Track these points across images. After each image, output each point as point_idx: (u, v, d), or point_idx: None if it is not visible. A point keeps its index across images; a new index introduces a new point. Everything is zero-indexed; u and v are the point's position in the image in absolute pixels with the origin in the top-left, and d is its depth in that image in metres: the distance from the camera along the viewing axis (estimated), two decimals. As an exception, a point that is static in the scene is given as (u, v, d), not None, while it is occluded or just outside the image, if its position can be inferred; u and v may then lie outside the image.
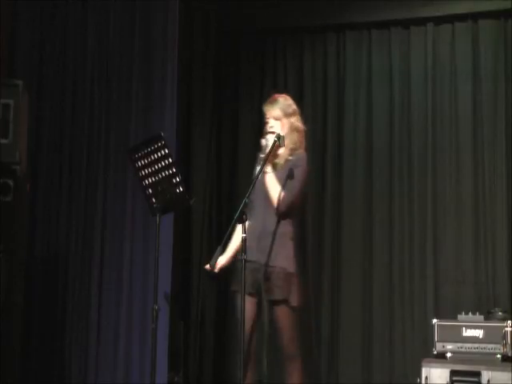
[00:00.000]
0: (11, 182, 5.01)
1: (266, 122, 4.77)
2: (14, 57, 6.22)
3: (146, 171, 4.91)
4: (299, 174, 4.66)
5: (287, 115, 4.74)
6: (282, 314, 4.59)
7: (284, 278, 4.58)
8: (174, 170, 4.82)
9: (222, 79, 7.31)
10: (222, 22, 7.23)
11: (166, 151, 4.83)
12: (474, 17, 6.74)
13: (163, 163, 4.85)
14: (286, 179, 4.60)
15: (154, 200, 4.89)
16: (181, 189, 4.83)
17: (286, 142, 4.65)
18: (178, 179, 4.82)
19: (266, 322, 4.59)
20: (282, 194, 4.57)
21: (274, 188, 4.60)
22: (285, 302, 4.59)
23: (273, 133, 4.66)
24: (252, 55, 7.39)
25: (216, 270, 4.61)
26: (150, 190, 4.92)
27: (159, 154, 4.84)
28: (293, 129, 4.74)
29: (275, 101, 4.78)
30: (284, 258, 4.62)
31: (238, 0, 7.12)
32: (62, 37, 6.36)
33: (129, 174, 5.99)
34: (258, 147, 4.71)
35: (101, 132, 6.26)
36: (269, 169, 4.59)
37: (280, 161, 4.66)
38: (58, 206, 6.20)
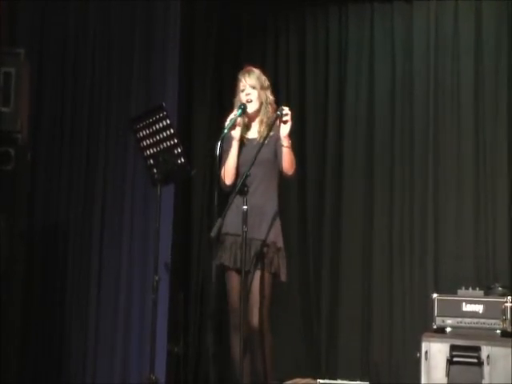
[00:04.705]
0: (12, 151, 5.02)
1: (242, 90, 4.85)
2: (16, 26, 6.19)
3: (148, 142, 4.92)
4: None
5: (263, 88, 4.88)
6: (266, 288, 4.66)
7: (275, 253, 4.69)
8: (176, 140, 4.84)
9: (223, 53, 7.26)
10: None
11: (168, 122, 4.85)
12: (478, -8, 6.69)
13: (165, 134, 4.86)
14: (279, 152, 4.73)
15: (154, 171, 4.89)
16: (182, 160, 4.84)
17: (262, 116, 4.84)
18: (179, 150, 4.83)
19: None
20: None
21: (292, 160, 4.70)
22: (274, 276, 4.69)
23: (250, 101, 4.80)
24: (254, 28, 7.33)
25: None
26: (151, 161, 4.93)
27: (161, 125, 4.86)
28: (268, 102, 4.88)
29: (252, 71, 4.91)
30: (274, 233, 4.73)
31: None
32: (63, 5, 6.33)
33: (130, 145, 5.99)
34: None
35: (102, 103, 6.27)
36: (285, 143, 4.66)
37: (262, 136, 4.73)
38: (59, 176, 6.21)
